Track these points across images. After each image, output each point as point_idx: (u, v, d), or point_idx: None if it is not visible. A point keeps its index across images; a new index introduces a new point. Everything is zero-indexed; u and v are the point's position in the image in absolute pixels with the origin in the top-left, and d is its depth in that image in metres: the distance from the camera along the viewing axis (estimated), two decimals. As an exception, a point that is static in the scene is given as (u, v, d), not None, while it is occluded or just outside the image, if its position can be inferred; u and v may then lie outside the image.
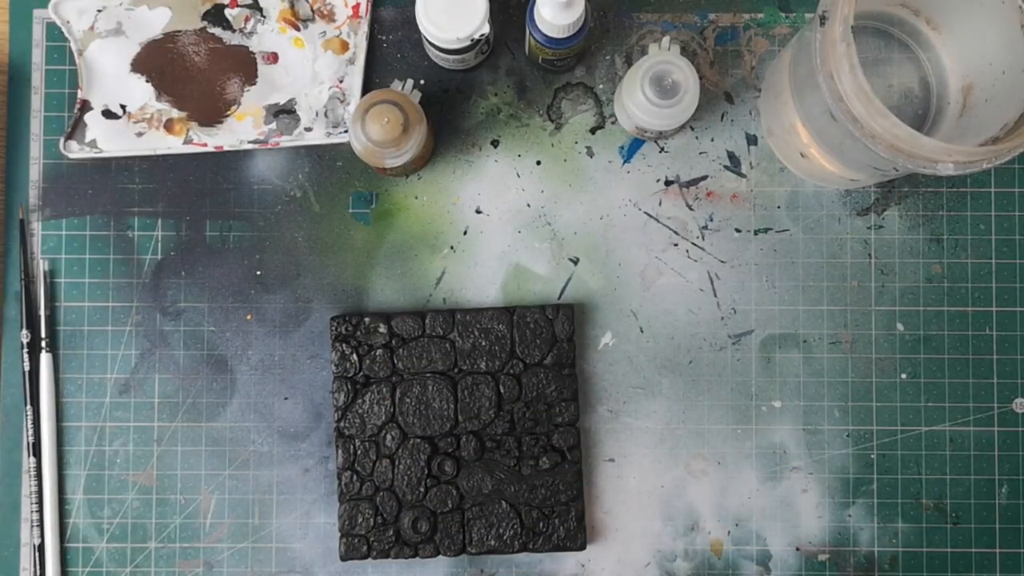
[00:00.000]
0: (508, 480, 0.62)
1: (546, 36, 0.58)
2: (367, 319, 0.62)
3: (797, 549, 0.63)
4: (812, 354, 0.64)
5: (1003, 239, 0.64)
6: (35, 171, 0.64)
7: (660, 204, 0.65)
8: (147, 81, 0.64)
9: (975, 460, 0.64)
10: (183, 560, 0.63)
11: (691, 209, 0.65)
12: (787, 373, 0.64)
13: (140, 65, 0.64)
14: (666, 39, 0.61)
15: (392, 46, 0.65)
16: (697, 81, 0.58)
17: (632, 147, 0.64)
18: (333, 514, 0.63)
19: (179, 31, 0.64)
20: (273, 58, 0.64)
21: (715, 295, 0.64)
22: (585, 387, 0.64)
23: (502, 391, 0.62)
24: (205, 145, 0.63)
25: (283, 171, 0.64)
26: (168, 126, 0.63)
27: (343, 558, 0.62)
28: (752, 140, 0.64)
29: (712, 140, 0.64)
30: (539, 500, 0.62)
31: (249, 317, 0.64)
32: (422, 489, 0.62)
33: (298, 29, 0.64)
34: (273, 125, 0.63)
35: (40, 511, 0.62)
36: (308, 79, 0.64)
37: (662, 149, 0.64)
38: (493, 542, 0.62)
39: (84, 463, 0.63)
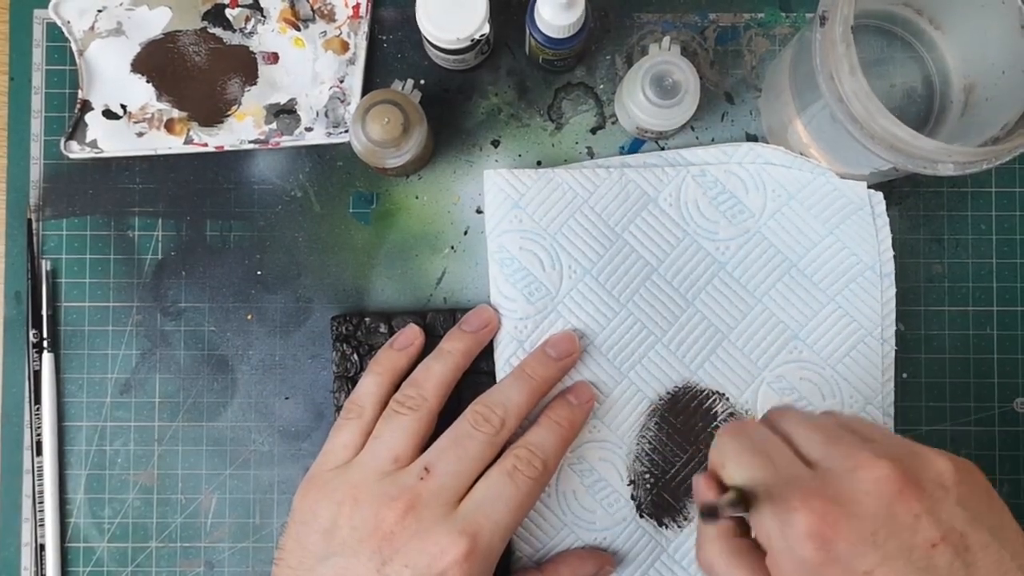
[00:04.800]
0: (508, 480, 0.62)
1: (546, 36, 0.58)
2: (368, 319, 0.62)
3: (797, 549, 0.63)
4: (812, 354, 0.64)
5: (1004, 239, 0.64)
6: (36, 171, 0.64)
7: (660, 204, 0.64)
8: (147, 81, 0.64)
9: (976, 460, 0.63)
10: (184, 560, 0.63)
11: (691, 209, 0.64)
12: (787, 373, 0.64)
13: (140, 65, 0.64)
14: (666, 39, 0.61)
15: (392, 46, 0.65)
16: (697, 81, 0.58)
17: (633, 147, 0.64)
18: (334, 514, 0.63)
19: (179, 31, 0.64)
20: (273, 58, 0.64)
21: (715, 295, 0.64)
22: (585, 387, 0.64)
23: (502, 391, 0.62)
24: (205, 145, 0.63)
25: (283, 171, 0.64)
26: (169, 126, 0.63)
27: (344, 558, 0.62)
28: (752, 140, 0.64)
29: (712, 140, 0.64)
30: (539, 500, 0.62)
31: (250, 317, 0.64)
32: (422, 489, 0.62)
33: (298, 29, 0.64)
34: (273, 125, 0.64)
35: (42, 510, 0.62)
36: (308, 79, 0.64)
37: (663, 149, 0.64)
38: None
39: (85, 463, 0.63)
